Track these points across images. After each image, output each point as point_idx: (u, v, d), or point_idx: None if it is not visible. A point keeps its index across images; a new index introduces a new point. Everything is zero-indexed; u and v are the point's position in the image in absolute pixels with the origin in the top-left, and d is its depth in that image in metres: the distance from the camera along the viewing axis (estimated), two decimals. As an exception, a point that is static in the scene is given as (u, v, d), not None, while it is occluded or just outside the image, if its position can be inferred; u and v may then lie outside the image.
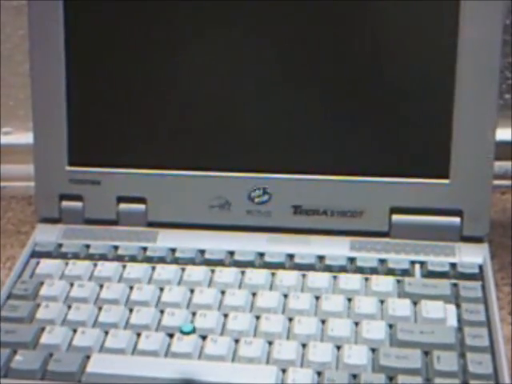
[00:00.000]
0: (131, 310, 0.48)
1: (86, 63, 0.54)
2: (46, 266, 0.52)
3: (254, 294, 0.49)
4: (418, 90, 0.51)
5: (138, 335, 0.47)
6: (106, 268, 0.51)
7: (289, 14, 0.51)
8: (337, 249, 0.52)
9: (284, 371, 0.44)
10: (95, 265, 0.52)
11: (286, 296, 0.49)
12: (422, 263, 0.51)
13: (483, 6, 0.49)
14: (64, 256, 0.53)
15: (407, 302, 0.48)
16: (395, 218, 0.52)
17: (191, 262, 0.52)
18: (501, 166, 0.64)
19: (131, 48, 0.53)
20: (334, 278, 0.50)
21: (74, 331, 0.47)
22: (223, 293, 0.49)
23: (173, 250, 0.53)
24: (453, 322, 0.46)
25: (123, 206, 0.55)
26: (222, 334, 0.47)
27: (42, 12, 0.54)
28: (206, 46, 0.53)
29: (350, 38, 0.51)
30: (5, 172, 0.68)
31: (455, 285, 0.49)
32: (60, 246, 0.54)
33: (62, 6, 0.53)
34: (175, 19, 0.53)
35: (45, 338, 0.47)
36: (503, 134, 0.63)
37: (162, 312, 0.48)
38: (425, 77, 0.51)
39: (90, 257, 0.53)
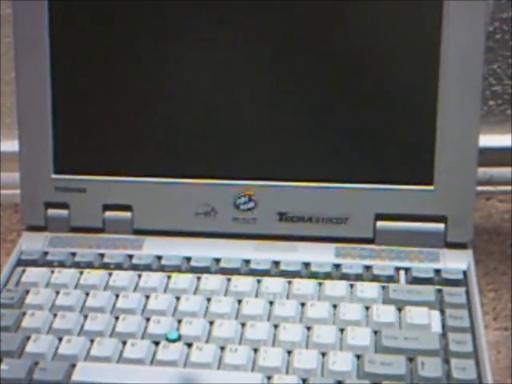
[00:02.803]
0: (117, 318, 0.49)
1: (71, 71, 0.54)
2: (32, 274, 0.52)
3: (239, 301, 0.49)
4: (402, 97, 0.52)
5: (124, 343, 0.47)
6: (92, 276, 0.52)
7: (273, 25, 0.52)
8: (322, 255, 0.52)
9: (269, 378, 0.44)
10: (81, 273, 0.52)
11: (271, 303, 0.49)
12: (407, 269, 0.51)
13: (466, 13, 0.50)
14: (50, 264, 0.53)
15: (392, 308, 0.48)
16: (380, 224, 0.52)
17: (177, 269, 0.52)
18: (485, 171, 0.65)
19: (117, 56, 0.54)
20: (320, 284, 0.50)
21: (60, 339, 0.47)
22: (209, 300, 0.49)
23: (159, 258, 0.53)
24: (437, 327, 0.47)
25: (109, 213, 0.55)
26: (207, 341, 0.47)
27: (27, 21, 0.54)
28: (192, 55, 0.53)
29: (332, 48, 0.52)
30: (-9, 180, 0.68)
31: (439, 291, 0.49)
32: (46, 254, 0.54)
33: (47, 14, 0.53)
34: (161, 29, 0.53)
35: (30, 347, 0.47)
36: (488, 140, 0.63)
37: (147, 320, 0.48)
38: (408, 84, 0.52)
39: (76, 265, 0.53)
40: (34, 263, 0.53)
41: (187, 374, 0.45)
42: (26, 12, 0.54)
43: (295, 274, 0.51)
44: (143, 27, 0.53)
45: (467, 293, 0.49)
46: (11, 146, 0.64)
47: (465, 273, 0.50)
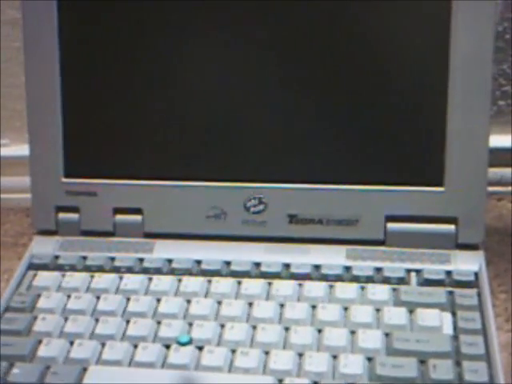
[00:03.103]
0: (128, 322, 0.49)
1: (81, 75, 0.54)
2: (43, 278, 0.52)
3: (250, 304, 0.49)
4: (412, 98, 0.51)
5: (135, 347, 0.47)
6: (103, 280, 0.52)
7: (282, 27, 0.52)
8: (333, 258, 0.52)
9: (280, 381, 0.44)
10: (92, 276, 0.52)
11: (282, 306, 0.49)
12: (418, 271, 0.51)
13: (475, 14, 0.50)
14: (61, 268, 0.53)
15: (403, 310, 0.48)
16: (390, 226, 0.52)
17: (188, 272, 0.52)
18: (496, 172, 0.65)
19: (127, 60, 0.54)
20: (331, 287, 0.50)
21: (71, 343, 0.47)
22: (220, 303, 0.49)
23: (169, 261, 0.53)
24: (449, 330, 0.47)
25: (120, 217, 0.55)
26: (218, 344, 0.47)
27: (36, 25, 0.54)
28: (200, 59, 0.53)
29: (341, 49, 0.52)
30: (2, 184, 0.68)
31: (451, 293, 0.49)
32: (57, 257, 0.54)
33: (56, 17, 0.54)
34: (172, 36, 0.53)
35: (42, 351, 0.47)
36: (498, 140, 0.63)
37: (158, 323, 0.48)
38: (418, 85, 0.51)
39: (87, 268, 0.53)
40: (45, 267, 0.54)
41: (198, 377, 0.45)
42: (36, 16, 0.54)
43: (306, 277, 0.51)
44: (153, 33, 0.53)
45: (479, 294, 0.49)
46: (21, 149, 0.64)
47: (476, 274, 0.50)
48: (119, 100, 0.54)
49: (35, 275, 0.53)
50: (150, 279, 0.52)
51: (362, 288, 0.50)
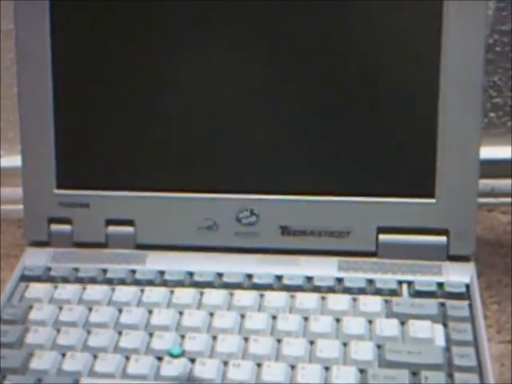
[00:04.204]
0: (120, 333, 0.49)
1: (73, 86, 0.54)
2: (35, 289, 0.52)
3: (242, 316, 0.49)
4: (403, 110, 0.52)
5: (127, 359, 0.47)
6: (95, 291, 0.52)
7: (280, 38, 0.52)
8: (325, 269, 0.52)
9: (273, 393, 0.44)
10: (84, 288, 0.52)
11: (274, 317, 0.49)
12: (410, 283, 0.51)
13: (465, 26, 0.50)
14: (53, 280, 0.53)
15: (395, 322, 0.48)
16: (382, 237, 0.52)
17: (180, 284, 0.52)
18: (487, 183, 0.65)
19: (119, 71, 0.54)
20: (323, 298, 0.50)
21: (63, 355, 0.47)
22: (212, 315, 0.49)
23: (161, 273, 0.53)
24: (440, 341, 0.47)
25: (112, 228, 0.55)
26: (210, 356, 0.47)
27: (28, 36, 0.54)
28: (192, 70, 0.53)
29: (333, 59, 0.52)
30: (-5, 195, 0.68)
31: (442, 304, 0.49)
32: (49, 269, 0.54)
33: (49, 28, 0.54)
34: (168, 44, 0.53)
35: (34, 363, 0.47)
36: (489, 152, 0.63)
37: (151, 335, 0.48)
38: (409, 97, 0.52)
39: (79, 280, 0.53)
40: (37, 279, 0.53)
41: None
42: (28, 27, 0.54)
43: (298, 288, 0.51)
44: (147, 42, 0.53)
45: (470, 306, 0.49)
46: (14, 161, 0.64)
47: (467, 286, 0.50)
48: (111, 111, 0.54)
49: (27, 287, 0.53)
50: (143, 291, 0.52)
51: (354, 299, 0.50)
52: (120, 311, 0.50)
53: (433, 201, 0.52)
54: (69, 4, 0.53)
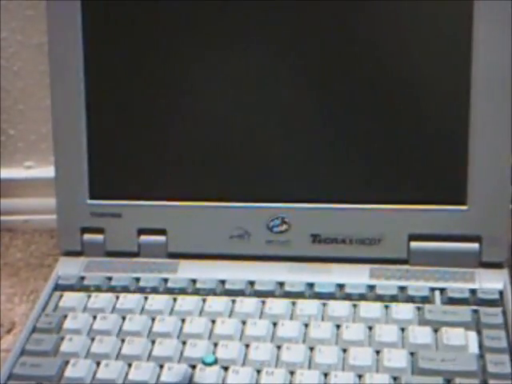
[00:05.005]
0: (153, 342, 0.49)
1: (105, 97, 0.55)
2: (69, 299, 0.53)
3: (274, 324, 0.49)
4: (434, 116, 0.52)
5: (161, 367, 0.47)
6: (128, 300, 0.52)
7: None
8: (356, 277, 0.52)
9: (306, 401, 0.44)
10: (117, 297, 0.53)
11: (306, 325, 0.49)
12: (442, 290, 0.51)
13: (496, 30, 0.50)
14: (86, 289, 0.54)
15: (428, 329, 0.48)
16: (414, 244, 0.52)
17: (212, 292, 0.52)
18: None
19: (151, 81, 0.54)
20: (354, 306, 0.50)
21: (98, 364, 0.48)
22: (244, 323, 0.50)
23: (193, 281, 0.53)
24: (474, 348, 0.46)
25: (144, 237, 0.55)
26: (243, 364, 0.47)
27: (61, 48, 0.55)
28: (222, 82, 0.53)
29: (360, 66, 0.52)
30: (28, 205, 0.69)
31: (476, 311, 0.49)
32: (82, 278, 0.54)
33: (81, 40, 0.54)
34: (199, 58, 0.53)
35: (69, 372, 0.47)
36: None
37: (184, 343, 0.49)
38: (439, 103, 0.52)
39: (112, 289, 0.53)
40: (71, 288, 0.54)
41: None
42: (61, 40, 0.55)
43: (330, 296, 0.51)
44: (179, 55, 0.54)
45: (504, 313, 0.49)
46: (47, 171, 0.65)
47: (501, 292, 0.50)
48: (143, 121, 0.55)
49: (61, 296, 0.53)
50: (175, 299, 0.52)
51: (386, 307, 0.50)
52: (153, 320, 0.50)
53: (465, 207, 0.52)
54: (101, 16, 0.54)
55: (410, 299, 0.50)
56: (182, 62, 0.54)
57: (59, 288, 0.54)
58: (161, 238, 0.55)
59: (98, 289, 0.54)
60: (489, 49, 0.50)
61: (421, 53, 0.51)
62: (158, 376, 0.47)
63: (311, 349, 0.47)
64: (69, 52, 0.55)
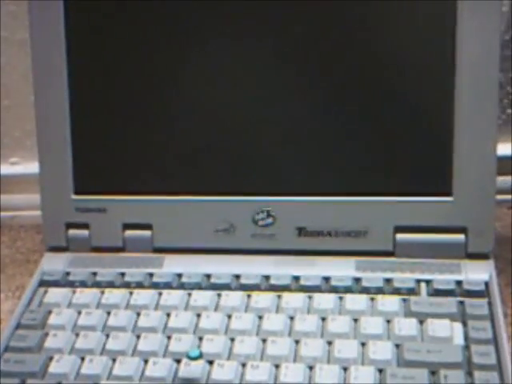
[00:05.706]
0: (138, 337, 0.49)
1: (89, 92, 0.55)
2: (54, 294, 0.53)
3: (260, 317, 0.49)
4: (418, 109, 0.52)
5: (146, 362, 0.47)
6: (113, 295, 0.52)
7: (286, 43, 0.52)
8: (342, 269, 0.52)
9: (291, 394, 0.44)
10: (102, 292, 0.52)
11: (292, 318, 0.49)
12: (428, 281, 0.50)
13: (481, 22, 0.50)
14: (71, 284, 0.53)
15: (413, 321, 0.48)
16: (399, 236, 0.52)
17: (197, 286, 0.52)
18: (506, 180, 0.64)
19: (134, 76, 0.54)
20: (340, 298, 0.50)
21: (82, 359, 0.48)
22: (229, 317, 0.49)
23: (179, 276, 0.53)
24: (459, 340, 0.46)
25: (129, 232, 0.55)
26: (228, 358, 0.47)
27: (44, 44, 0.54)
28: (207, 75, 0.53)
29: (347, 61, 0.52)
30: (14, 202, 0.69)
31: (461, 302, 0.49)
32: (67, 274, 0.54)
33: (64, 36, 0.54)
34: (183, 53, 0.53)
35: (53, 367, 0.47)
36: (507, 148, 0.63)
37: (169, 338, 0.48)
38: (424, 96, 0.51)
39: (97, 284, 0.53)
40: (55, 284, 0.54)
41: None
42: (43, 36, 0.54)
43: (315, 289, 0.51)
44: (162, 51, 0.53)
45: (489, 304, 0.49)
46: (32, 168, 0.65)
47: (486, 283, 0.50)
48: (128, 116, 0.55)
49: (46, 292, 0.53)
50: (160, 294, 0.52)
51: (372, 299, 0.50)
52: (138, 314, 0.50)
53: (450, 199, 0.51)
54: (83, 12, 0.54)
55: (396, 291, 0.50)
56: (165, 56, 0.53)
57: (44, 284, 0.54)
58: (146, 233, 0.55)
59: (83, 284, 0.53)
60: (473, 40, 0.50)
61: (406, 45, 0.51)
62: (143, 371, 0.46)
63: (296, 342, 0.47)
64: (52, 47, 0.54)
